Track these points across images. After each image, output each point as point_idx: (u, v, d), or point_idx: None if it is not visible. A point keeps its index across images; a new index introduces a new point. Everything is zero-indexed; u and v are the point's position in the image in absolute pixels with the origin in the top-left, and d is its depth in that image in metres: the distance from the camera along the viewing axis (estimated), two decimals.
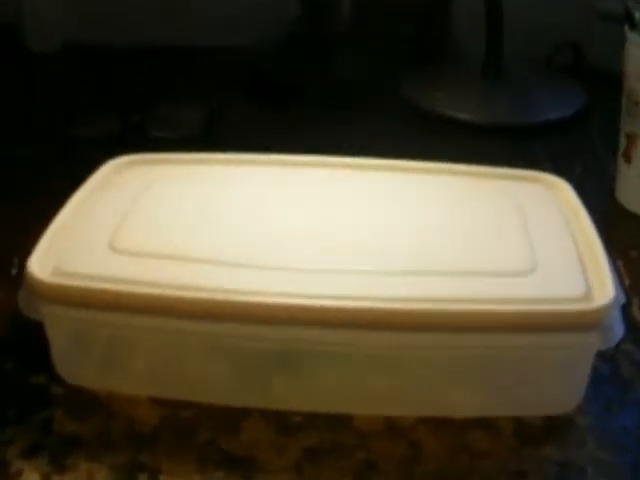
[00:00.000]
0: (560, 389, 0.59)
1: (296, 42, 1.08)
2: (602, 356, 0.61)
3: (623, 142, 0.84)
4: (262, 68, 1.09)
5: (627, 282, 0.72)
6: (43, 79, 1.13)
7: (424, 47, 1.16)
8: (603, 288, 0.57)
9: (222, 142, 0.81)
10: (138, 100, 1.04)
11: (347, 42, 1.11)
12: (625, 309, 0.60)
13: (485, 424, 0.59)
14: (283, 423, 0.59)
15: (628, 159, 0.84)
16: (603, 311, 0.55)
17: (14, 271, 0.71)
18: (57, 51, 1.17)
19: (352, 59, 1.10)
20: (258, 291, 0.56)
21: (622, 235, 0.79)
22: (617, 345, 0.60)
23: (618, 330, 0.57)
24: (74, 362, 0.61)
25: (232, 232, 0.62)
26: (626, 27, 0.82)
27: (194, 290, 0.56)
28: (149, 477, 0.55)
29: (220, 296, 0.55)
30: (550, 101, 1.05)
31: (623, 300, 0.59)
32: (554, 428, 0.59)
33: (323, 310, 0.55)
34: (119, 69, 1.13)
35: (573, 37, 1.13)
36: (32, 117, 1.02)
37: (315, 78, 1.06)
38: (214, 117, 1.00)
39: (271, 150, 0.73)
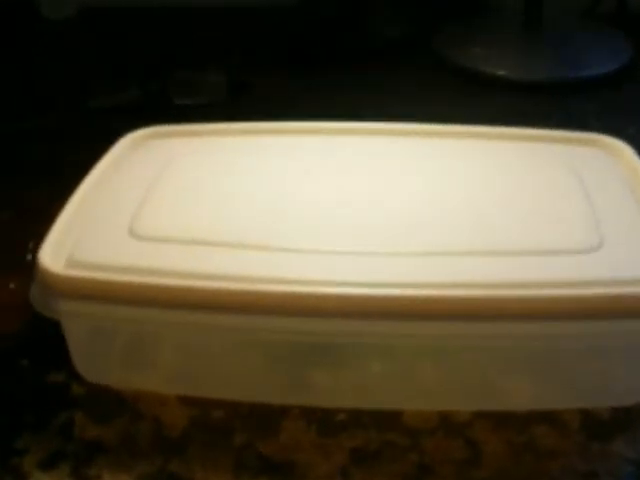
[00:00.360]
0: (630, 377, 0.54)
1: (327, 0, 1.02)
2: None
3: None
4: (293, 29, 1.02)
5: None
6: (60, 48, 1.07)
7: None
8: None
9: (249, 108, 0.75)
10: (158, 65, 0.98)
11: None
12: None
13: (549, 418, 0.54)
14: (326, 422, 0.54)
15: None
16: None
17: (29, 257, 0.65)
18: (73, 18, 1.12)
19: (385, 15, 1.03)
20: (294, 279, 0.50)
21: None
22: None
23: None
24: (95, 359, 0.56)
25: (262, 211, 0.56)
26: None
27: (223, 280, 0.50)
28: None
29: (252, 286, 0.50)
30: (594, 54, 0.98)
31: None
32: (624, 421, 0.54)
33: (366, 299, 0.49)
34: (136, 33, 1.07)
35: None
36: (49, 88, 0.96)
37: (348, 38, 1.00)
38: (239, 82, 0.94)
39: (301, 116, 0.67)
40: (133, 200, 0.57)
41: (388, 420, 0.54)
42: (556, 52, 0.97)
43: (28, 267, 0.57)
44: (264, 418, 0.54)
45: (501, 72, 0.94)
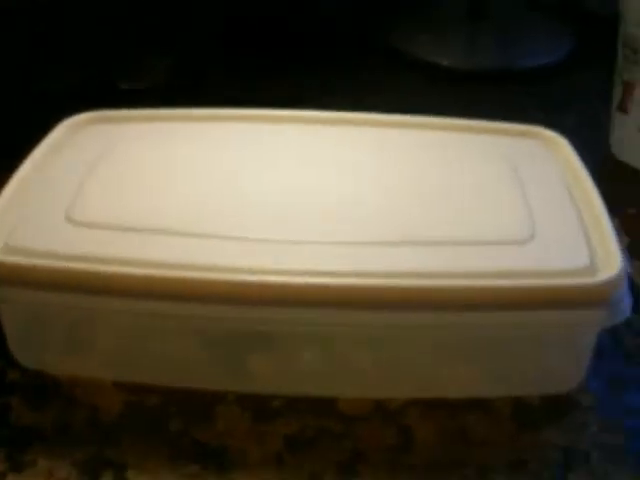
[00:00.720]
0: (561, 366, 0.55)
1: None
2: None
3: (619, 92, 0.79)
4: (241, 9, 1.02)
5: (626, 242, 0.68)
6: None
7: None
8: (609, 259, 0.52)
9: (194, 92, 0.74)
10: (102, 49, 0.97)
11: None
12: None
13: (481, 405, 0.55)
14: (261, 408, 0.54)
15: (624, 109, 0.78)
16: (610, 284, 0.50)
17: None
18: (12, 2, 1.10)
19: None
20: (230, 267, 0.50)
21: (619, 191, 0.74)
22: None
23: (627, 304, 0.51)
24: (31, 345, 0.56)
25: (202, 199, 0.56)
26: None
27: (159, 267, 0.50)
28: (115, 474, 0.50)
29: (188, 273, 0.50)
30: (538, 45, 0.99)
31: (630, 269, 0.54)
32: (554, 409, 0.55)
33: (301, 288, 0.50)
34: (80, 15, 1.06)
35: None
36: None
37: (298, 16, 0.99)
38: (185, 65, 0.93)
39: (246, 102, 0.67)
40: (71, 186, 0.57)
41: (323, 407, 0.54)
42: (500, 43, 0.98)
43: None
44: (199, 404, 0.55)
45: (446, 62, 0.94)
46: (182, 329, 0.53)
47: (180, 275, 0.50)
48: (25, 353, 0.56)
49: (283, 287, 0.50)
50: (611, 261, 0.52)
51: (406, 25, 1.02)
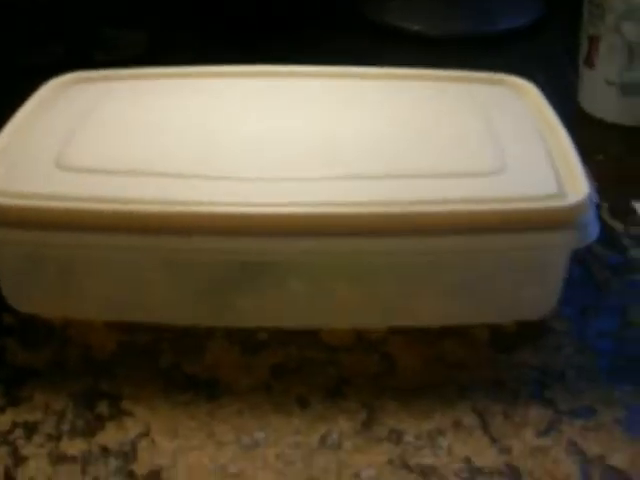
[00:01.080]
0: (535, 292, 0.57)
1: None
2: (573, 259, 0.59)
3: (585, 46, 0.82)
4: None
5: (595, 186, 0.70)
6: None
7: None
8: (576, 185, 0.54)
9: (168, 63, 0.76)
10: (80, 22, 0.99)
11: None
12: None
13: (459, 333, 0.57)
14: (248, 341, 0.57)
15: (591, 64, 0.81)
16: (577, 208, 0.53)
17: None
18: None
19: None
20: (212, 201, 0.52)
21: (587, 140, 0.76)
22: (589, 248, 0.58)
23: (593, 228, 0.54)
24: (25, 289, 0.58)
25: (183, 144, 0.58)
26: None
27: (145, 203, 0.52)
28: (110, 404, 0.52)
29: (172, 208, 0.52)
30: (506, 9, 1.01)
31: (597, 199, 0.57)
32: (530, 334, 0.57)
33: (282, 217, 0.52)
34: None
35: None
36: None
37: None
38: (159, 38, 0.96)
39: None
40: (59, 136, 0.58)
41: (307, 339, 0.57)
42: (469, 7, 1.00)
43: None
44: (189, 340, 0.57)
45: (415, 27, 0.97)
46: (170, 266, 0.56)
47: (162, 209, 0.52)
48: (18, 297, 0.58)
49: (265, 217, 0.52)
50: (578, 188, 0.54)
51: None
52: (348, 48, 0.92)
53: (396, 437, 0.51)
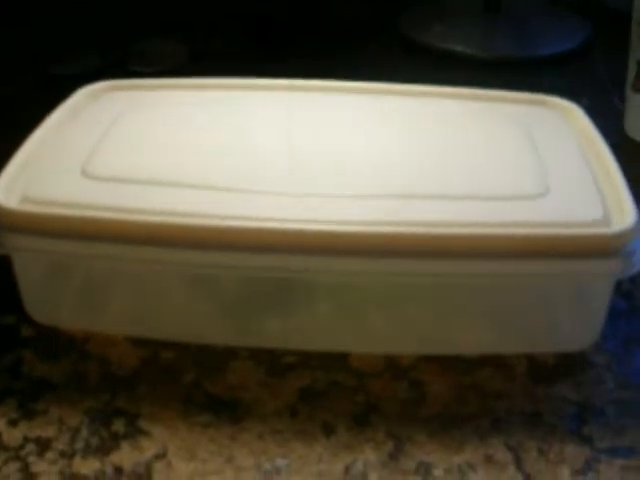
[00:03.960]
0: (576, 323, 0.55)
1: None
2: (618, 290, 0.56)
3: (632, 71, 0.79)
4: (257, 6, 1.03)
5: None
6: (20, 16, 1.07)
7: None
8: (622, 212, 0.52)
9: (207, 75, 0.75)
10: (119, 35, 0.98)
11: None
12: None
13: (495, 363, 0.55)
14: (273, 363, 0.54)
15: (638, 89, 0.78)
16: (624, 235, 0.50)
17: None
18: None
19: None
20: (244, 216, 0.50)
21: (632, 167, 0.74)
22: (633, 278, 0.56)
23: (639, 257, 0.51)
24: (46, 300, 0.56)
25: (215, 156, 0.56)
26: None
27: (174, 215, 0.50)
28: (126, 422, 0.50)
29: (202, 221, 0.50)
30: (553, 35, 1.00)
31: None
32: (569, 367, 0.55)
33: (315, 235, 0.50)
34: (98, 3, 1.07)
35: None
36: (9, 56, 0.96)
37: (312, 16, 1.00)
38: (196, 51, 0.94)
39: None
40: (87, 144, 0.57)
41: (335, 363, 0.54)
42: (516, 32, 0.99)
43: None
44: (212, 359, 0.55)
45: (461, 49, 0.95)
46: (194, 281, 0.53)
47: (192, 222, 0.50)
48: (39, 309, 0.56)
49: (297, 234, 0.50)
50: (624, 214, 0.52)
51: (422, 15, 1.02)
52: (390, 67, 0.90)
53: (424, 470, 0.48)
